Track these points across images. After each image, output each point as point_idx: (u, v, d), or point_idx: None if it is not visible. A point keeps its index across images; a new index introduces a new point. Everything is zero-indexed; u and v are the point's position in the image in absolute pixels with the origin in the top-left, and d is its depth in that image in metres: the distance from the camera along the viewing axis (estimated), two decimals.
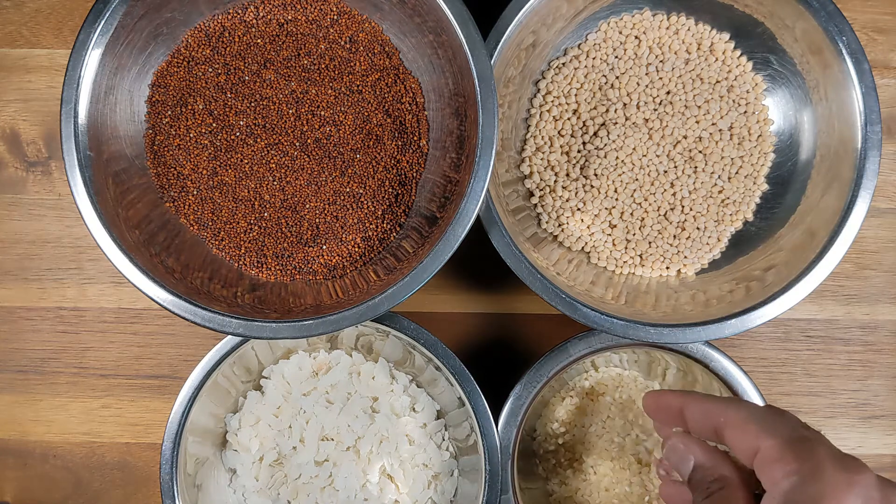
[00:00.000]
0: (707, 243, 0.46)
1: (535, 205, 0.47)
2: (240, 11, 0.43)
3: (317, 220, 0.43)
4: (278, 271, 0.44)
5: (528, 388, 0.43)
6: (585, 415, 0.48)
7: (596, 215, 0.46)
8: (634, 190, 0.46)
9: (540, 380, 0.43)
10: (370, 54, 0.44)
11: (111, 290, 0.52)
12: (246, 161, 0.43)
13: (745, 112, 0.46)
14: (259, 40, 0.43)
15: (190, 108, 0.43)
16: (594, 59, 0.46)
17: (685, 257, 0.46)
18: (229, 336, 0.41)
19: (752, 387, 0.43)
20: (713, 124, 0.46)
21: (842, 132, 0.42)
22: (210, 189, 0.43)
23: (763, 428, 0.31)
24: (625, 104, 0.46)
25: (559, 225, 0.47)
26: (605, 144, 0.46)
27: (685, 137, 0.46)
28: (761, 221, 0.46)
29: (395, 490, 0.46)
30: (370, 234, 0.44)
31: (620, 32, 0.46)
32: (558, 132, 0.47)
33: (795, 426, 0.31)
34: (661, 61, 0.46)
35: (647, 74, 0.46)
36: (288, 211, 0.43)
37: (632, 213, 0.46)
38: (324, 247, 0.43)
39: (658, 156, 0.46)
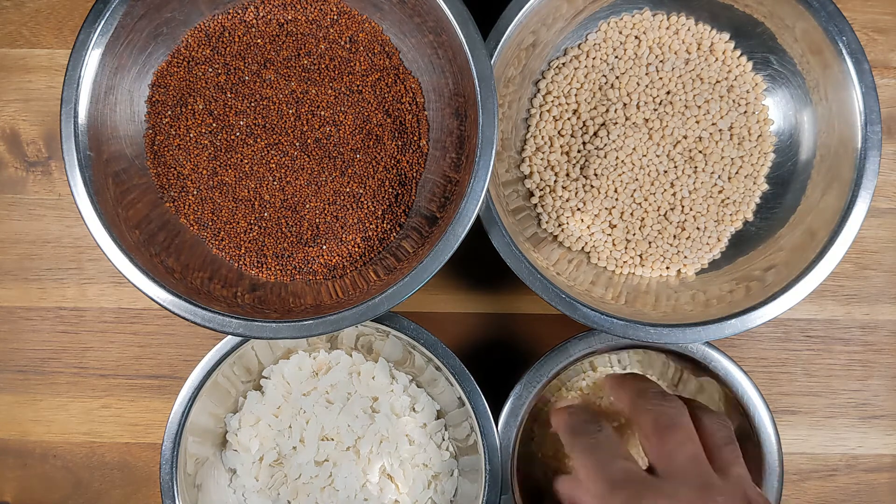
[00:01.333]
0: (707, 243, 0.46)
1: (535, 205, 0.47)
2: (240, 11, 0.43)
3: (317, 220, 0.43)
4: (278, 271, 0.44)
5: (528, 388, 0.43)
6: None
7: (596, 215, 0.46)
8: (634, 190, 0.46)
9: (540, 380, 0.43)
10: (370, 54, 0.44)
11: (111, 290, 0.52)
12: (246, 161, 0.43)
13: (745, 112, 0.46)
14: (259, 40, 0.43)
15: (190, 108, 0.43)
16: (594, 59, 0.46)
17: (685, 257, 0.46)
18: (229, 336, 0.41)
19: (752, 387, 0.43)
20: (713, 124, 0.46)
21: (842, 132, 0.42)
22: (210, 189, 0.43)
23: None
24: (625, 104, 0.46)
25: (559, 225, 0.47)
26: (605, 144, 0.46)
27: (685, 137, 0.46)
28: (761, 221, 0.46)
29: (395, 490, 0.46)
30: (370, 234, 0.44)
31: (620, 32, 0.46)
32: (558, 132, 0.47)
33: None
34: (661, 61, 0.46)
35: (647, 74, 0.46)
36: (288, 211, 0.43)
37: (632, 213, 0.46)
38: (324, 247, 0.43)
39: (658, 156, 0.46)
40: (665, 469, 0.35)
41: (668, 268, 0.47)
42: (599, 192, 0.46)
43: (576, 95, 0.47)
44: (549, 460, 0.49)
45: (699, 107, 0.46)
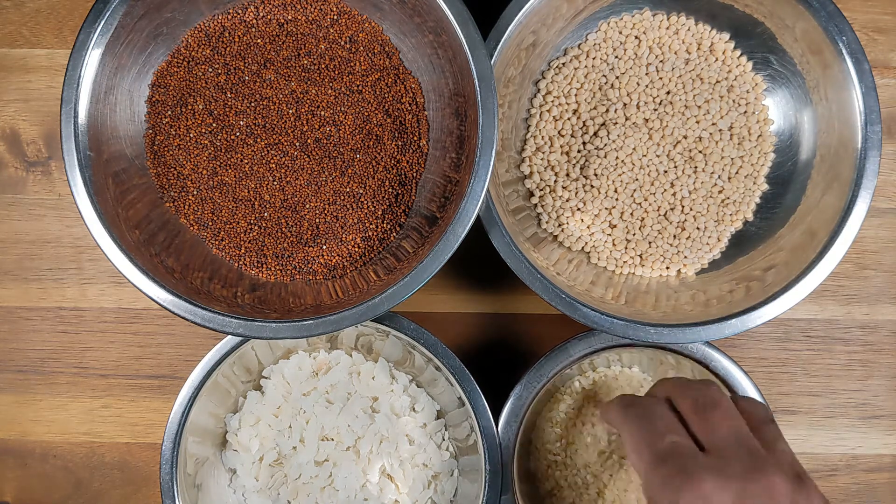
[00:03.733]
0: (707, 243, 0.46)
1: (535, 205, 0.47)
2: (240, 11, 0.43)
3: (317, 220, 0.43)
4: (278, 271, 0.44)
5: (528, 389, 0.43)
6: (584, 415, 0.48)
7: (596, 215, 0.46)
8: (634, 190, 0.46)
9: (540, 380, 0.43)
10: (370, 54, 0.44)
11: (111, 290, 0.52)
12: (246, 161, 0.43)
13: (745, 112, 0.46)
14: (259, 40, 0.43)
15: (190, 108, 0.43)
16: (594, 59, 0.46)
17: (685, 257, 0.46)
18: (229, 336, 0.41)
19: (753, 387, 0.43)
20: (713, 124, 0.46)
21: (842, 132, 0.42)
22: (210, 189, 0.43)
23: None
24: (625, 104, 0.46)
25: (559, 225, 0.47)
26: (605, 144, 0.46)
27: (685, 137, 0.46)
28: (761, 221, 0.46)
29: (395, 490, 0.46)
30: (370, 234, 0.44)
31: (620, 32, 0.46)
32: (558, 132, 0.47)
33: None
34: (661, 61, 0.46)
35: (647, 74, 0.46)
36: (288, 211, 0.43)
37: (632, 213, 0.46)
38: (324, 247, 0.43)
39: (658, 156, 0.46)
40: (711, 445, 0.34)
41: (668, 268, 0.47)
42: (599, 192, 0.46)
43: (576, 95, 0.47)
44: (550, 462, 0.49)
45: (699, 107, 0.46)
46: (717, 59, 0.46)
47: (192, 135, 0.43)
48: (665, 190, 0.46)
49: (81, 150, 0.39)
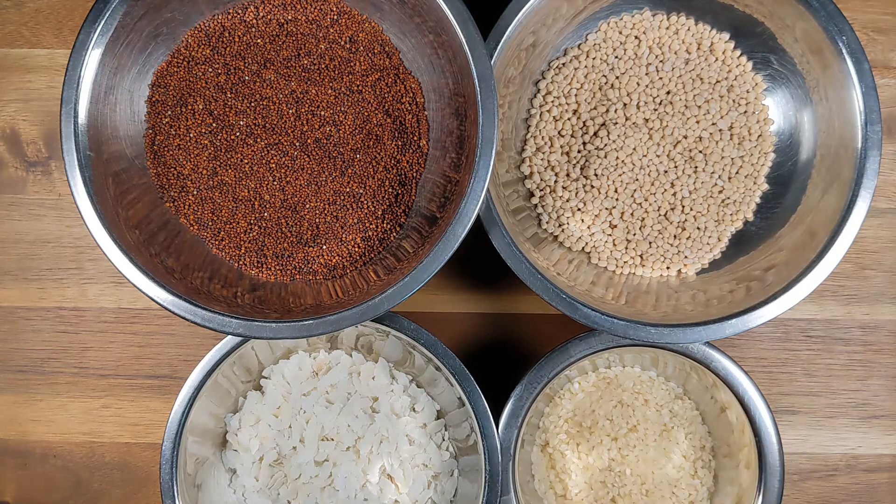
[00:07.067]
0: (707, 243, 0.46)
1: (536, 205, 0.47)
2: (240, 11, 0.43)
3: (317, 220, 0.43)
4: (278, 271, 0.44)
5: (528, 390, 0.43)
6: (585, 415, 0.48)
7: (596, 215, 0.46)
8: (635, 190, 0.46)
9: (541, 381, 0.44)
10: (370, 54, 0.44)
11: (111, 290, 0.52)
12: (246, 161, 0.43)
13: (745, 112, 0.46)
14: (259, 40, 0.43)
15: (190, 108, 0.43)
16: (594, 59, 0.46)
17: (686, 257, 0.46)
18: (229, 336, 0.41)
19: (753, 387, 0.43)
20: (713, 124, 0.46)
21: (842, 132, 0.42)
22: (210, 189, 0.43)
23: None
24: (625, 104, 0.46)
25: (559, 225, 0.47)
26: (606, 144, 0.46)
27: (685, 137, 0.46)
28: (762, 221, 0.46)
29: (395, 490, 0.46)
30: (370, 234, 0.44)
31: (620, 32, 0.46)
32: (558, 132, 0.47)
33: None
34: (661, 61, 0.46)
35: (647, 74, 0.46)
36: (288, 211, 0.43)
37: (632, 213, 0.46)
38: (324, 247, 0.43)
39: (658, 156, 0.46)
40: None
41: (668, 268, 0.47)
42: (600, 193, 0.46)
43: (576, 95, 0.47)
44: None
45: (699, 107, 0.46)
46: (717, 59, 0.46)
47: (192, 135, 0.43)
48: (665, 190, 0.46)
49: (81, 150, 0.39)
